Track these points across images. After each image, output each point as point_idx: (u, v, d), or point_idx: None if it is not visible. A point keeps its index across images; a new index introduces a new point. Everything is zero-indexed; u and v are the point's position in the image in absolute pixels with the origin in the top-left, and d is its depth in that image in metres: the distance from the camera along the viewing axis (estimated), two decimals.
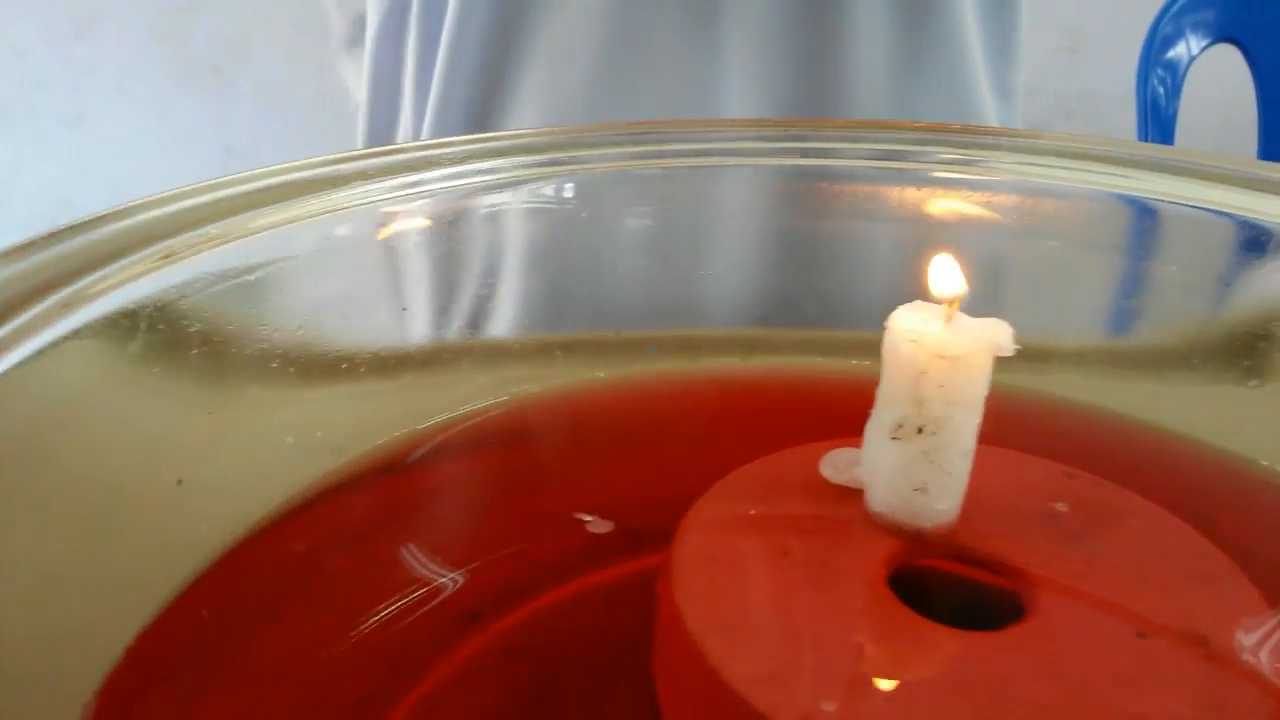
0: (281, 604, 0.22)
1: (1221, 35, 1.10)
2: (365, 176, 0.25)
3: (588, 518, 0.24)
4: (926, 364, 0.20)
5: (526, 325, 0.29)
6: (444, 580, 0.23)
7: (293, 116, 1.75)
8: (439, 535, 0.25)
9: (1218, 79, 1.14)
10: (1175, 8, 1.09)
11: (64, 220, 0.21)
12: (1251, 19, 1.10)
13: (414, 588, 0.23)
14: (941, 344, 0.20)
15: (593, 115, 0.47)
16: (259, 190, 0.23)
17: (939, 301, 0.21)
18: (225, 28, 1.76)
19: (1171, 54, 1.10)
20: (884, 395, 0.21)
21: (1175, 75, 1.09)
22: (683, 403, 0.30)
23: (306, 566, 0.23)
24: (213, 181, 0.23)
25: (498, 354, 0.29)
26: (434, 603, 0.22)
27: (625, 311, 0.32)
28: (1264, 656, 0.18)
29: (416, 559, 0.23)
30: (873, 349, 0.21)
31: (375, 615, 0.22)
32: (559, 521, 0.25)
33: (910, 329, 0.20)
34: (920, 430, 0.20)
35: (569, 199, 0.29)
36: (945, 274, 0.22)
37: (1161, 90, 1.10)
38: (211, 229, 0.22)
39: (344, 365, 0.25)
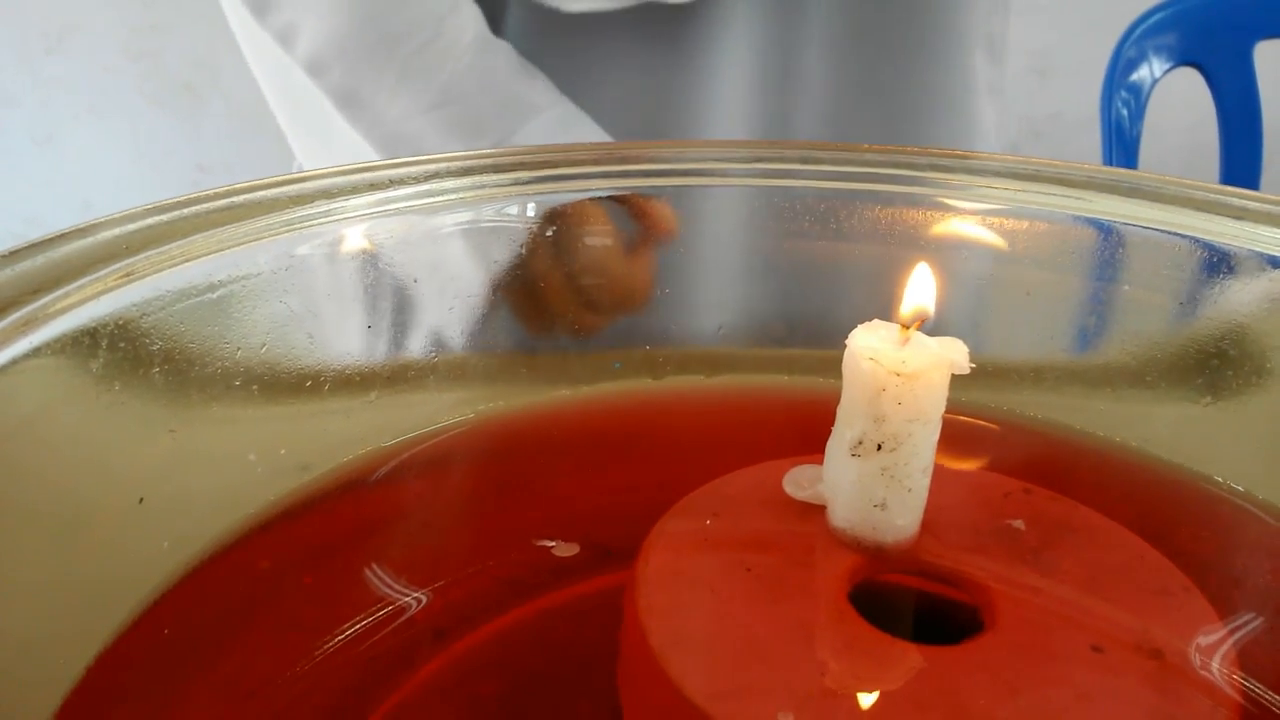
0: (246, 622, 0.22)
1: (1183, 59, 1.12)
2: (329, 195, 0.25)
3: (551, 543, 0.24)
4: (885, 381, 0.20)
5: (491, 343, 0.30)
6: (410, 597, 0.23)
7: (265, 134, 1.74)
8: (405, 553, 0.25)
9: (1182, 102, 1.16)
10: (1138, 32, 1.11)
11: (33, 239, 0.21)
12: (1212, 43, 1.12)
13: (380, 605, 0.23)
14: (899, 362, 0.20)
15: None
16: (222, 208, 0.23)
17: (899, 321, 0.21)
18: (197, 45, 1.75)
19: (1135, 77, 1.12)
20: (844, 412, 0.21)
21: (1139, 98, 1.11)
22: (647, 420, 0.30)
23: (271, 584, 0.23)
24: (175, 199, 0.23)
25: (463, 372, 0.29)
26: (400, 620, 0.22)
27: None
28: (1216, 669, 0.19)
29: (382, 577, 0.23)
30: (835, 367, 0.21)
31: (341, 633, 0.22)
32: (525, 538, 0.25)
33: (869, 347, 0.20)
34: (880, 447, 0.20)
35: (535, 218, 0.29)
36: (907, 294, 0.22)
37: (1125, 113, 1.11)
38: (173, 247, 0.22)
39: (308, 383, 0.25)
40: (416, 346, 0.28)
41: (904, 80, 0.51)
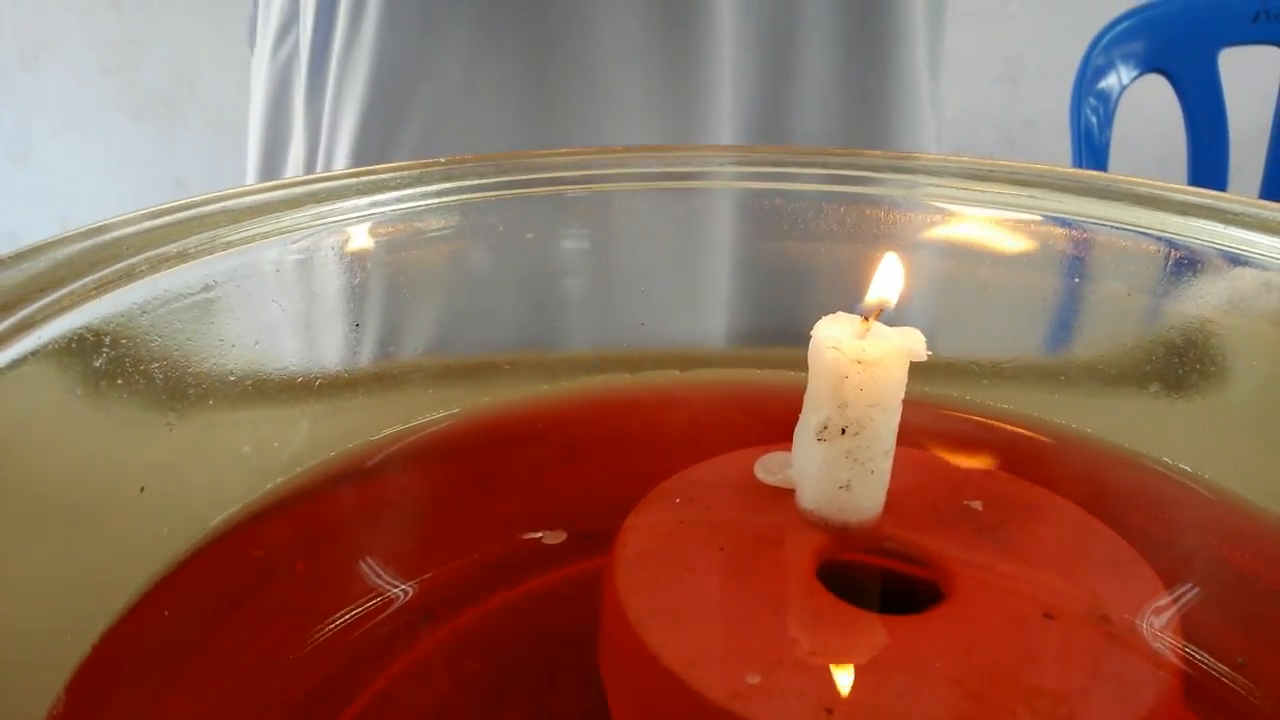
0: (241, 606, 0.23)
1: (1151, 66, 1.14)
2: (318, 199, 0.26)
3: (538, 534, 0.25)
4: (847, 369, 0.21)
5: (475, 343, 0.31)
6: (398, 583, 0.24)
7: (243, 147, 1.75)
8: (393, 541, 0.26)
9: (1151, 110, 1.18)
10: (1105, 40, 1.13)
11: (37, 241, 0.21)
12: (1178, 51, 1.15)
13: (369, 591, 0.24)
14: (860, 351, 0.21)
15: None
16: (216, 212, 0.24)
17: (860, 312, 0.22)
18: (173, 59, 1.76)
19: (1103, 85, 1.14)
20: (810, 399, 0.22)
21: (1107, 105, 1.13)
22: (625, 413, 0.31)
23: (265, 570, 0.24)
24: (171, 204, 0.24)
25: (447, 370, 0.30)
26: (389, 605, 0.23)
27: (570, 330, 0.33)
28: (1160, 633, 0.20)
29: (371, 564, 0.24)
30: (805, 362, 0.22)
31: (332, 616, 0.23)
32: (509, 528, 0.26)
33: (831, 337, 0.21)
34: (844, 431, 0.22)
35: (517, 221, 0.30)
36: (869, 285, 0.24)
37: (1094, 120, 1.13)
38: (171, 249, 0.23)
39: (299, 380, 0.26)
40: (404, 346, 0.29)
41: (865, 91, 0.53)
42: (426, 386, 0.29)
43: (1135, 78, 1.14)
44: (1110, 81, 1.14)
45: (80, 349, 0.21)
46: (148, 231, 0.23)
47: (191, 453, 0.24)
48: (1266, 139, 1.24)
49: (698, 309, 0.38)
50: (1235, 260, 0.27)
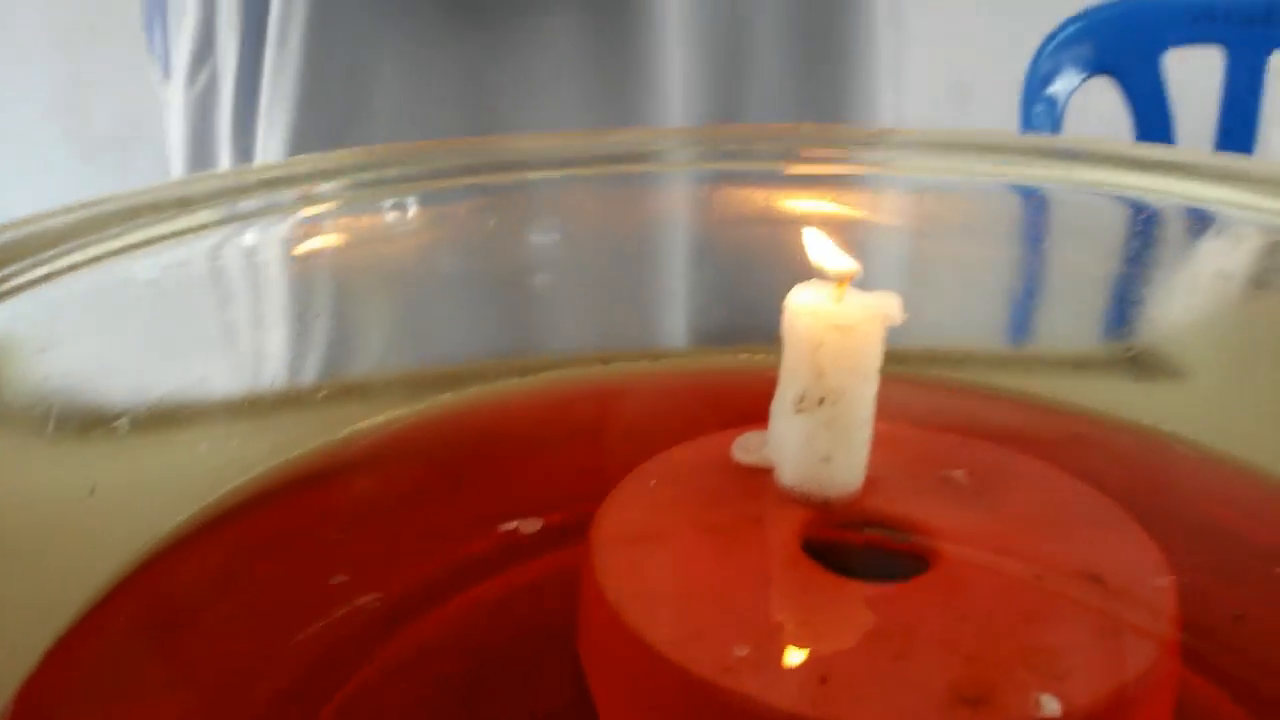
0: (202, 611, 0.22)
1: (1098, 68, 1.16)
2: (271, 185, 0.25)
3: (513, 524, 0.25)
4: (823, 336, 0.21)
5: (431, 345, 0.30)
6: (367, 584, 0.23)
7: None
8: (362, 540, 0.25)
9: (1098, 112, 1.19)
10: (1053, 44, 1.14)
11: None
12: (1124, 51, 1.16)
13: (337, 593, 0.23)
14: (835, 316, 0.21)
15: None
16: (168, 200, 0.23)
17: (831, 279, 0.22)
18: (126, 101, 1.74)
19: (1051, 90, 1.15)
20: (786, 370, 0.22)
21: (1055, 109, 1.14)
22: (597, 403, 0.30)
23: (225, 574, 0.23)
24: (129, 191, 0.23)
25: (407, 373, 0.29)
26: (358, 606, 0.22)
27: (531, 331, 0.33)
28: (1154, 589, 0.19)
29: (338, 565, 0.23)
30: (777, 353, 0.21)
31: (299, 619, 0.22)
32: (480, 523, 0.25)
33: (806, 303, 0.21)
34: (821, 401, 0.21)
35: (477, 214, 0.29)
36: (831, 253, 0.23)
37: (1044, 123, 1.14)
38: (116, 234, 0.22)
39: (258, 379, 0.25)
40: (360, 343, 0.28)
41: (830, 67, 0.53)
42: (388, 385, 0.28)
43: (1083, 80, 1.15)
44: (1058, 86, 1.16)
45: (19, 348, 0.20)
46: (95, 217, 0.22)
47: (144, 453, 0.23)
48: (1212, 139, 1.26)
49: (658, 306, 0.37)
50: (1207, 218, 0.27)
